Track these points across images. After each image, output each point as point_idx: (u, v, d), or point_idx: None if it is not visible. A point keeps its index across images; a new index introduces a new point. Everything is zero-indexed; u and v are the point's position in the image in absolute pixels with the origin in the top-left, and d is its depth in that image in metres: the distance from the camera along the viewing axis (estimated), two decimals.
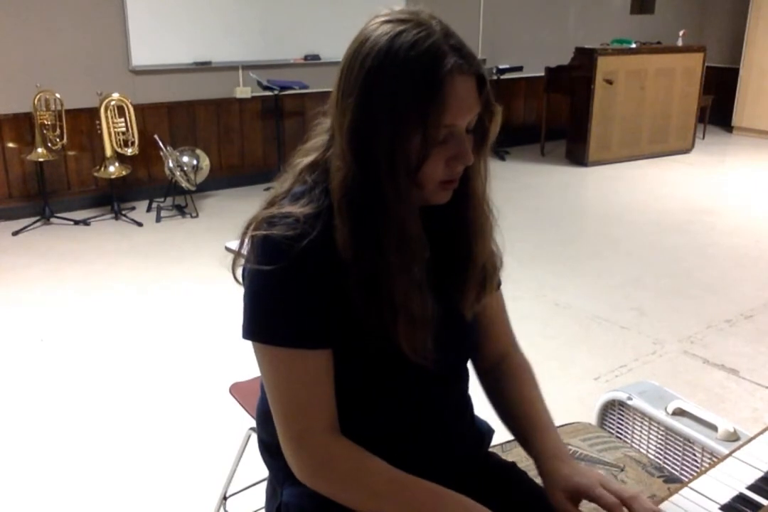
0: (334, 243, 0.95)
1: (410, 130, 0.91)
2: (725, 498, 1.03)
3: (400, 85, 0.90)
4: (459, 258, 1.05)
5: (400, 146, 0.91)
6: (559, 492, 1.01)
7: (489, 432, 1.22)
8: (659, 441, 1.70)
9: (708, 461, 1.58)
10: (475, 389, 1.20)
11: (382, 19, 0.94)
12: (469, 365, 1.18)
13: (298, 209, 0.96)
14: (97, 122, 4.78)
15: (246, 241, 0.98)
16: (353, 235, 0.94)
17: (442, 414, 1.10)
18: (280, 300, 0.95)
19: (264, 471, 1.20)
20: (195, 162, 5.08)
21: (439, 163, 0.95)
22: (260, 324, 0.97)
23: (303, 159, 1.04)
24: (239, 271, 1.04)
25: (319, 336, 0.96)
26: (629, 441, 1.76)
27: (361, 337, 0.97)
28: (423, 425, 1.08)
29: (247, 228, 0.99)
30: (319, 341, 0.97)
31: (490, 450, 1.25)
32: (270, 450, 1.06)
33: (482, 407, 1.19)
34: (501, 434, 1.25)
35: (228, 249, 2.19)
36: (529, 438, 1.10)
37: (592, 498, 0.98)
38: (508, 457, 1.28)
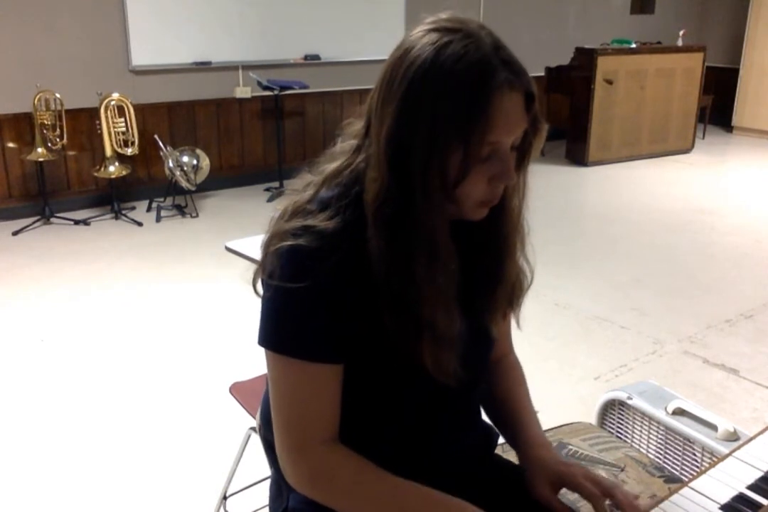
0: (361, 259, 0.92)
1: (450, 145, 0.87)
2: (725, 497, 1.03)
3: (444, 98, 0.86)
4: (489, 275, 1.03)
5: (437, 161, 0.88)
6: (541, 480, 1.03)
7: (495, 436, 1.22)
8: (659, 440, 1.70)
9: (708, 461, 1.58)
10: None
11: (428, 27, 0.90)
12: None
13: (323, 222, 0.92)
14: (97, 122, 4.78)
15: (269, 253, 0.95)
16: (386, 247, 0.91)
17: (453, 424, 1.10)
18: (301, 316, 0.93)
19: (264, 471, 1.20)
20: (195, 162, 5.08)
21: (480, 181, 0.91)
22: (277, 334, 0.96)
23: (329, 164, 1.00)
24: (260, 285, 1.00)
25: (335, 352, 0.95)
26: (629, 441, 1.76)
27: (384, 353, 0.95)
28: (434, 434, 1.07)
29: (270, 240, 0.95)
30: (334, 356, 0.95)
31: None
32: (275, 450, 1.06)
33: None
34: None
35: (228, 249, 2.19)
36: (513, 430, 1.13)
37: (574, 487, 1.00)
38: (510, 457, 1.28)
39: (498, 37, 0.91)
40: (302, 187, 1.01)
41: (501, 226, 1.01)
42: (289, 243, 0.92)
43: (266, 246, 0.96)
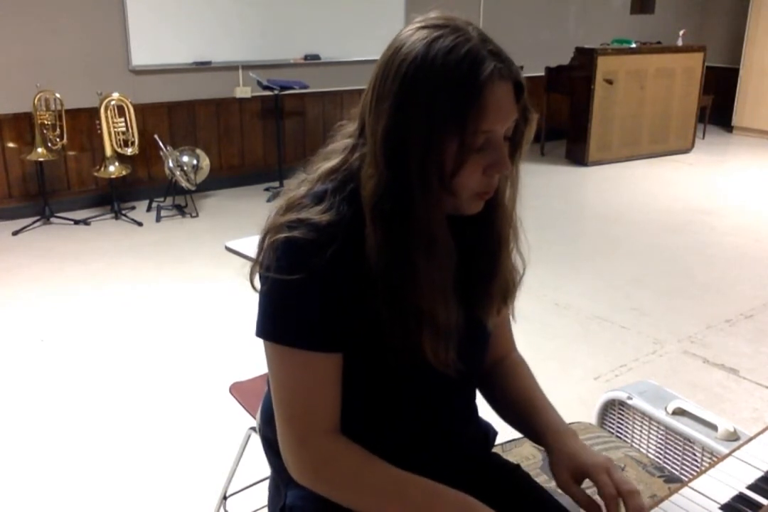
0: (357, 252, 0.93)
1: (447, 136, 0.89)
2: (725, 497, 1.03)
3: (437, 91, 0.88)
4: (484, 268, 1.04)
5: (435, 153, 0.90)
6: (564, 471, 1.02)
7: (493, 433, 1.23)
8: (659, 440, 1.70)
9: (708, 461, 1.58)
10: (477, 391, 1.20)
11: (417, 25, 0.93)
12: None
13: (317, 215, 0.94)
14: (97, 122, 4.78)
15: (265, 246, 0.96)
16: (384, 243, 0.93)
17: (451, 418, 1.11)
18: (299, 307, 0.94)
19: (264, 471, 1.20)
20: (195, 162, 5.08)
21: (476, 171, 0.93)
22: (275, 325, 0.96)
23: (323, 163, 1.02)
24: (257, 279, 1.01)
25: (333, 342, 0.96)
26: (629, 441, 1.76)
27: (381, 345, 0.96)
28: (432, 428, 1.08)
29: (266, 234, 0.97)
30: (332, 346, 0.96)
31: (492, 450, 1.26)
32: (275, 448, 1.06)
33: (486, 409, 1.20)
34: (502, 435, 1.25)
35: (228, 249, 2.19)
36: (532, 419, 1.11)
37: (595, 481, 0.99)
38: (509, 457, 1.28)
39: (484, 32, 0.94)
40: (296, 184, 1.03)
41: (494, 219, 1.03)
42: (284, 235, 0.93)
43: (262, 240, 0.98)
